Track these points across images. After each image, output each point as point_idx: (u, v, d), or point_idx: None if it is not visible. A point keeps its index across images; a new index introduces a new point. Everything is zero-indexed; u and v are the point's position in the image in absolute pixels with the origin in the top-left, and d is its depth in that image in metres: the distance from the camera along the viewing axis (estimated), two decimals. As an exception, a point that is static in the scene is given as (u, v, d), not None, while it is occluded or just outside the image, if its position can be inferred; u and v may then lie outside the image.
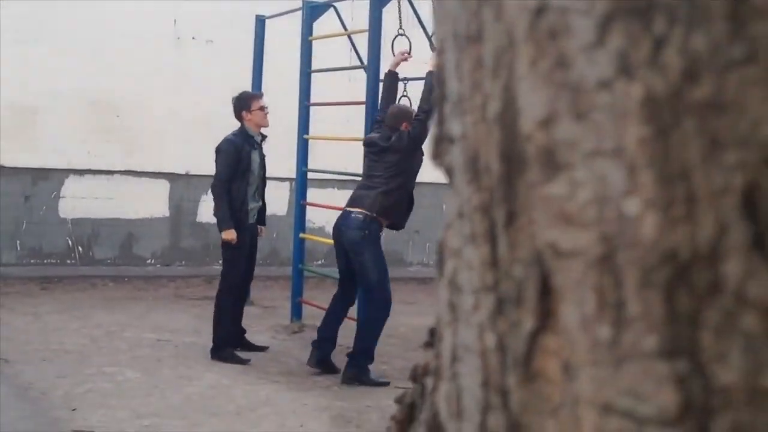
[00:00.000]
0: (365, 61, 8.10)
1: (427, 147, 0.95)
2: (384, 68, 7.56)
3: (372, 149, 6.96)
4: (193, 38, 11.54)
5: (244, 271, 7.43)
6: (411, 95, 7.70)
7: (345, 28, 8.96)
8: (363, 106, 7.83)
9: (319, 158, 9.16)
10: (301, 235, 8.96)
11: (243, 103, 7.39)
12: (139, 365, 6.95)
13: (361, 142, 7.19)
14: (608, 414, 0.69)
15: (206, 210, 10.88)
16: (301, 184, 9.05)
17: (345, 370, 6.80)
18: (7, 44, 10.58)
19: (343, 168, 9.05)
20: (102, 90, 11.00)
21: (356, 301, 7.18)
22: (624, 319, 0.67)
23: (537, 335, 0.76)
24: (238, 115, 7.40)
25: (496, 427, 0.80)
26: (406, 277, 11.83)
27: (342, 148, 9.05)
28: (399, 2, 7.68)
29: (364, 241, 6.77)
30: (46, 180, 11.01)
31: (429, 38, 7.30)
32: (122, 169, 11.28)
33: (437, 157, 0.93)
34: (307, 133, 8.94)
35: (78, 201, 11.14)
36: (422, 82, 6.88)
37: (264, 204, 7.66)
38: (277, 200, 10.94)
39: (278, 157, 9.23)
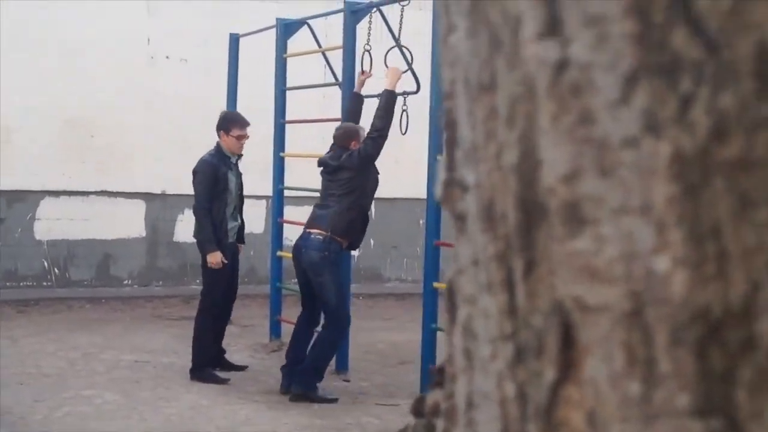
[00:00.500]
0: (340, 78, 8.11)
1: (438, 194, 0.95)
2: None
3: (326, 169, 7.00)
4: (167, 57, 11.48)
5: (227, 291, 7.40)
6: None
7: (319, 45, 8.95)
8: (338, 123, 7.82)
9: (296, 176, 9.14)
10: (279, 253, 8.93)
11: (224, 124, 7.35)
12: (117, 387, 6.90)
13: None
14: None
15: (183, 229, 10.82)
16: (277, 201, 9.04)
17: (293, 387, 6.74)
18: (-22, 64, 10.51)
19: (319, 185, 9.02)
20: (76, 109, 10.92)
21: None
22: (655, 376, 0.67)
23: (558, 386, 0.76)
24: (218, 131, 7.38)
25: (518, 477, 0.80)
26: (384, 293, 11.82)
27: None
28: (370, 19, 7.68)
29: (323, 262, 6.75)
30: (22, 202, 10.92)
31: (402, 53, 7.28)
32: (97, 189, 11.20)
33: (447, 201, 0.93)
34: (284, 151, 8.93)
35: (53, 222, 11.04)
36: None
37: (243, 222, 7.64)
38: (254, 218, 10.89)
39: (255, 175, 9.21)
